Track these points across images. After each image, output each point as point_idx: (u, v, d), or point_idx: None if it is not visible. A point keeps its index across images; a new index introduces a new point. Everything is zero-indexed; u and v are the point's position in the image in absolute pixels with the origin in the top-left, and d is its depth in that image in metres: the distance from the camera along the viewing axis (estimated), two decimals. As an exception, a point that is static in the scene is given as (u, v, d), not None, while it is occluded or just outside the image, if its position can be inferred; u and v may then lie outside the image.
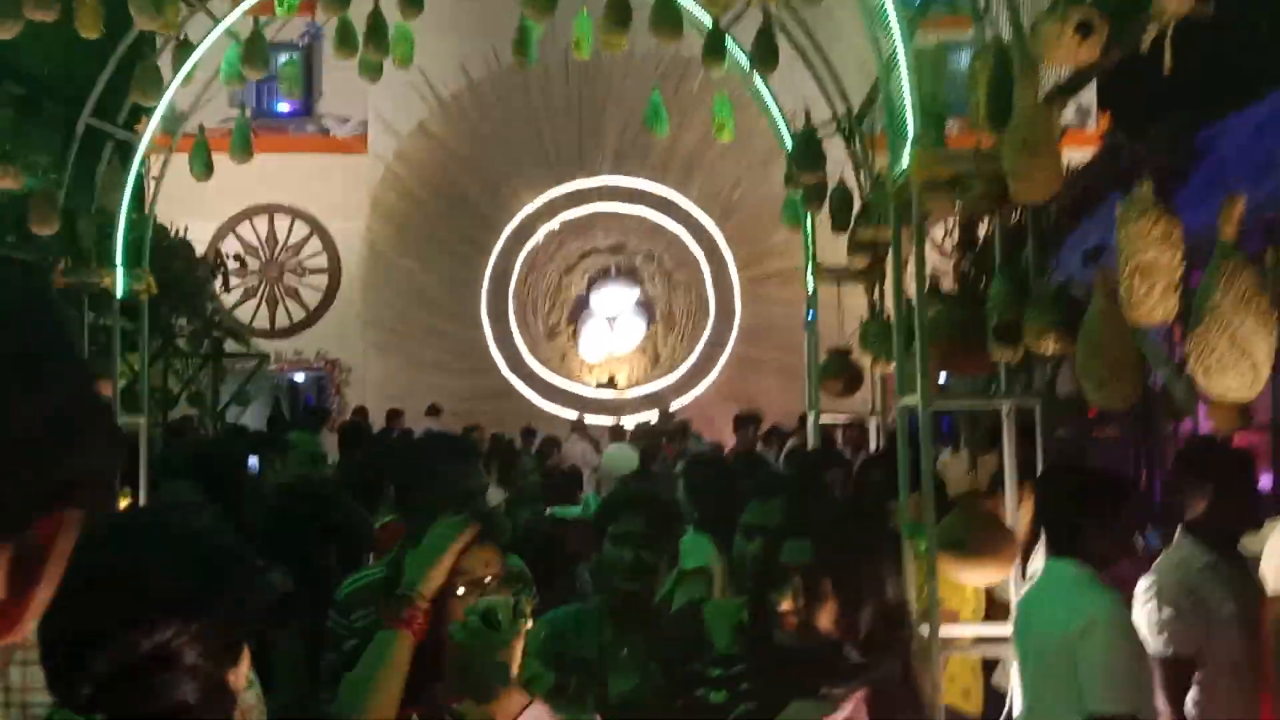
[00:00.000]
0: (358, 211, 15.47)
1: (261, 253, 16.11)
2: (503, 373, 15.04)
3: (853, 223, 5.61)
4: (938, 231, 15.71)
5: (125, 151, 5.79)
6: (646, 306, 15.43)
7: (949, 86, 3.87)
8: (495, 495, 6.20)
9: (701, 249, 15.13)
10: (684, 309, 15.38)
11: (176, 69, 5.65)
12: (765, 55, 5.69)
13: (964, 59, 3.49)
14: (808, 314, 6.54)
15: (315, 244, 16.12)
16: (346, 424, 9.97)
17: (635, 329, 15.35)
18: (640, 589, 2.99)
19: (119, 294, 5.55)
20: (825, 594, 2.16)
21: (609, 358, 15.33)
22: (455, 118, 15.35)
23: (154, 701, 1.29)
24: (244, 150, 6.46)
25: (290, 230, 16.15)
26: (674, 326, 15.40)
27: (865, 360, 5.53)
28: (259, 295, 16.08)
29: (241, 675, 1.41)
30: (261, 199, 16.03)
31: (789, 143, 6.17)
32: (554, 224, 15.17)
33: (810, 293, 6.44)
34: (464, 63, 15.12)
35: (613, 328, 15.32)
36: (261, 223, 16.17)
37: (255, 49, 5.72)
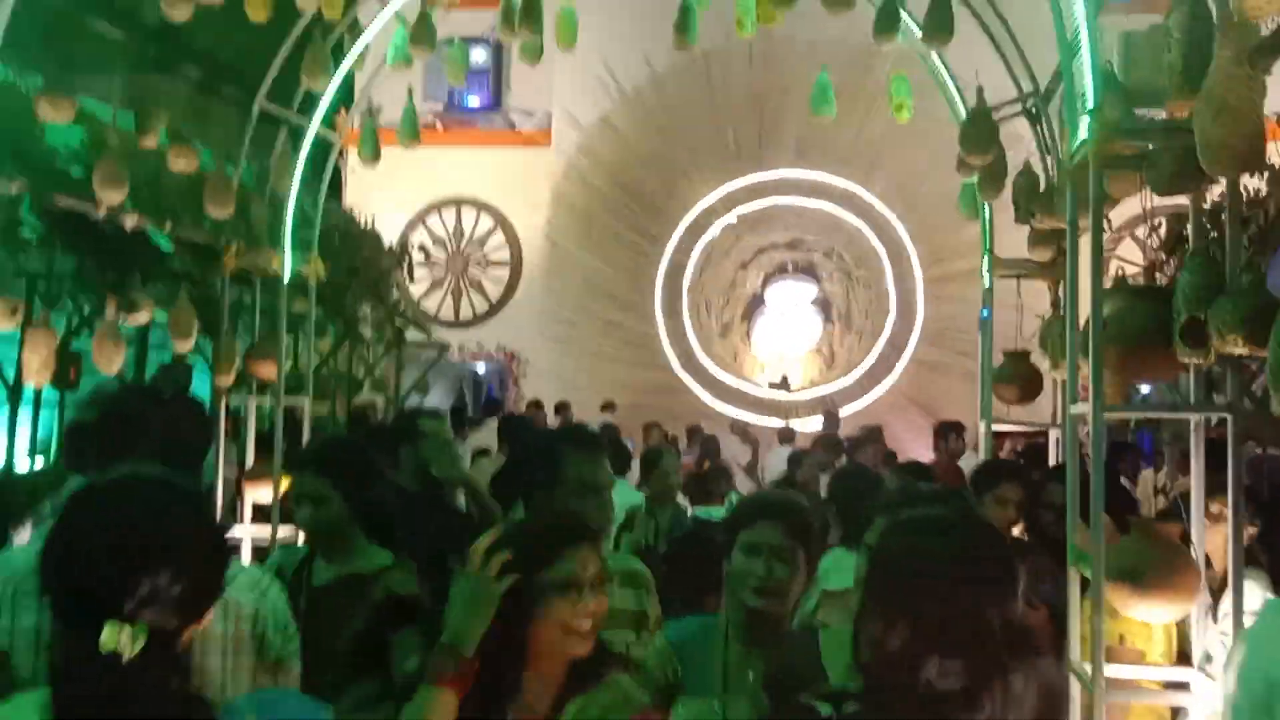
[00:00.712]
0: (541, 205, 15.71)
1: (448, 245, 16.60)
2: (674, 369, 14.93)
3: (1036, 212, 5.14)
4: (1142, 228, 14.58)
5: (299, 136, 5.91)
6: (823, 304, 14.99)
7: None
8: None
9: (883, 245, 14.56)
10: (863, 308, 14.86)
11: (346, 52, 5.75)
12: (939, 26, 5.29)
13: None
14: (982, 312, 6.05)
15: (499, 237, 16.47)
16: (507, 417, 10.08)
17: (811, 327, 14.94)
18: (769, 605, 2.74)
19: (285, 277, 5.70)
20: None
21: (783, 357, 14.98)
22: (638, 110, 15.35)
23: None
24: (412, 135, 6.49)
25: (476, 223, 16.57)
26: (851, 326, 14.90)
27: (1045, 364, 5.06)
28: (444, 286, 16.58)
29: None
30: (450, 192, 16.54)
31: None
32: (731, 218, 14.94)
33: (986, 288, 5.94)
34: (647, 54, 15.10)
35: (788, 325, 14.96)
36: (449, 215, 16.65)
37: (422, 30, 5.72)
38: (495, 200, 16.38)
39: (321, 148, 5.99)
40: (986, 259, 5.91)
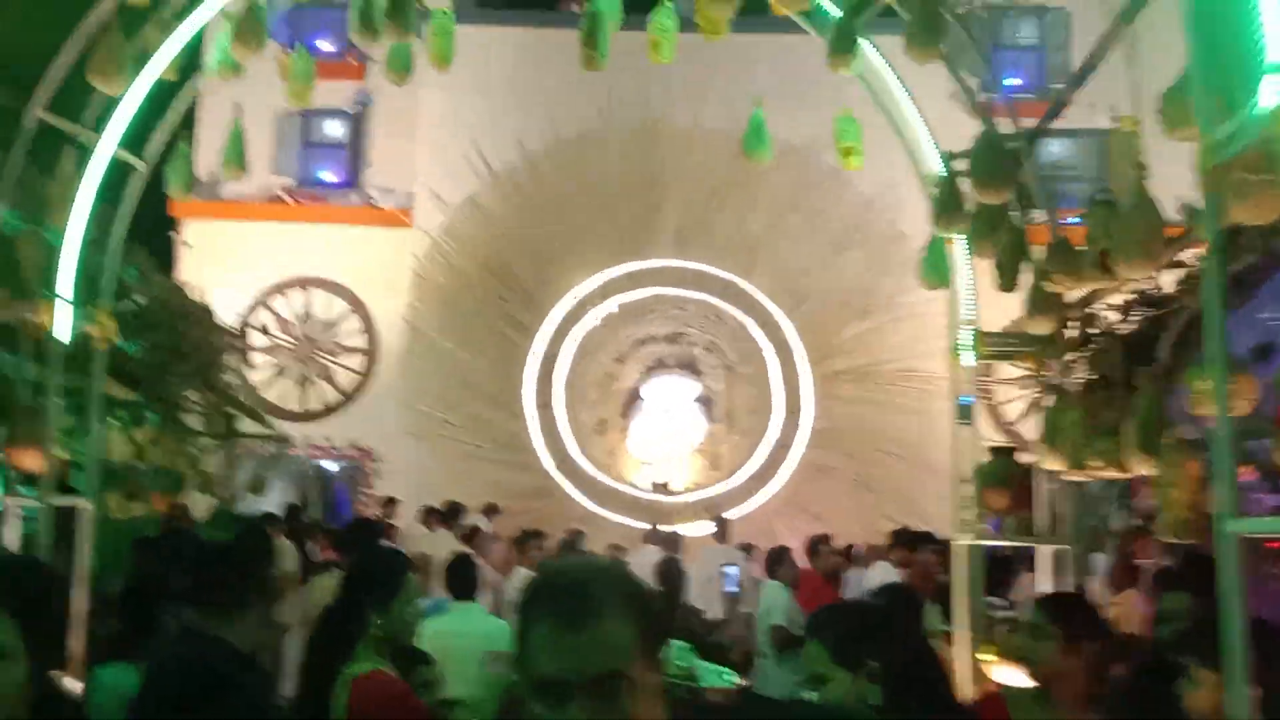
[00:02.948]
0: (400, 289, 14.40)
1: (295, 329, 15.04)
2: (548, 469, 13.64)
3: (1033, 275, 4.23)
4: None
5: (87, 157, 4.56)
6: (706, 402, 14.04)
7: None
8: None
9: (768, 340, 13.77)
10: (747, 406, 13.96)
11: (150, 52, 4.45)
12: (926, 30, 4.38)
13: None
14: (961, 399, 5.08)
15: (353, 322, 15.03)
16: (357, 523, 8.58)
17: (693, 426, 13.94)
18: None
19: (60, 335, 4.28)
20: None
21: (664, 457, 13.89)
22: (508, 191, 14.34)
23: None
24: (236, 162, 5.16)
25: (328, 306, 15.10)
26: (735, 425, 13.96)
27: (1050, 462, 4.09)
28: (290, 375, 14.96)
29: None
30: (300, 272, 15.08)
31: (935, 159, 4.81)
32: (610, 306, 13.93)
33: (961, 368, 4.98)
34: (519, 133, 14.19)
35: (668, 423, 13.92)
36: (298, 296, 15.14)
37: (252, 23, 4.47)
38: (350, 282, 14.99)
39: (119, 174, 4.63)
40: (970, 334, 4.93)
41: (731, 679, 4.53)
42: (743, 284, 13.70)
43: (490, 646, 5.29)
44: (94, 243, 4.61)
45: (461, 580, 5.41)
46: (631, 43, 5.45)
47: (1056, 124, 14.01)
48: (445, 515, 10.92)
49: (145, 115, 5.05)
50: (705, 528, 12.04)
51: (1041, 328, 4.42)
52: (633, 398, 14.02)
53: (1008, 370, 14.04)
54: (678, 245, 13.89)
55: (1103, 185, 4.77)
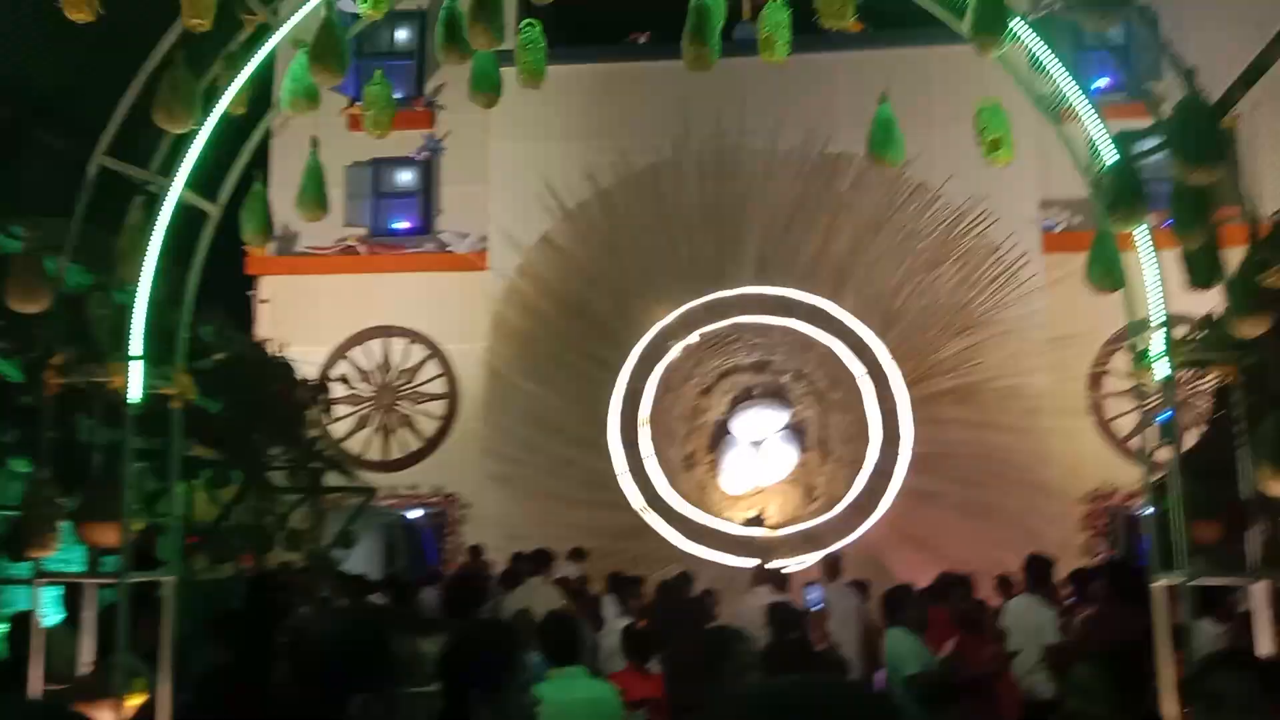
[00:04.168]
0: (478, 332, 14.17)
1: (374, 378, 14.89)
2: (636, 508, 13.19)
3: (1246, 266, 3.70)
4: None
5: (156, 205, 4.28)
6: (796, 431, 13.49)
7: None
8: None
9: (861, 364, 13.19)
10: (840, 434, 13.37)
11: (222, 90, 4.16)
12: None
13: None
14: (1161, 415, 4.53)
15: (433, 368, 14.84)
16: (455, 581, 8.17)
17: (784, 457, 13.39)
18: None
19: (133, 396, 3.98)
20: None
21: (755, 490, 13.36)
22: (582, 228, 14.06)
23: None
24: (315, 200, 4.80)
25: (406, 353, 14.94)
26: (829, 454, 13.38)
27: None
28: (371, 424, 14.79)
29: None
30: (376, 320, 14.96)
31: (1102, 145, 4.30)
32: (692, 337, 13.50)
33: (1162, 378, 4.42)
34: (590, 168, 13.92)
35: (758, 455, 13.40)
36: (376, 346, 15.01)
37: (329, 42, 4.09)
38: (427, 328, 14.83)
39: (190, 224, 4.35)
40: (1162, 337, 4.37)
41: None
42: (829, 307, 13.16)
43: (599, 713, 4.85)
44: (167, 299, 4.33)
45: (560, 643, 4.94)
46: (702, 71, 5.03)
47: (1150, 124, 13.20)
48: (535, 561, 10.49)
49: (215, 159, 4.78)
50: (807, 563, 11.51)
51: (1252, 329, 3.85)
52: (721, 430, 13.54)
53: (1114, 383, 13.30)
54: (759, 272, 13.43)
55: None
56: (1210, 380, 8.12)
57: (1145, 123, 4.57)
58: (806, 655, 6.93)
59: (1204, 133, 3.78)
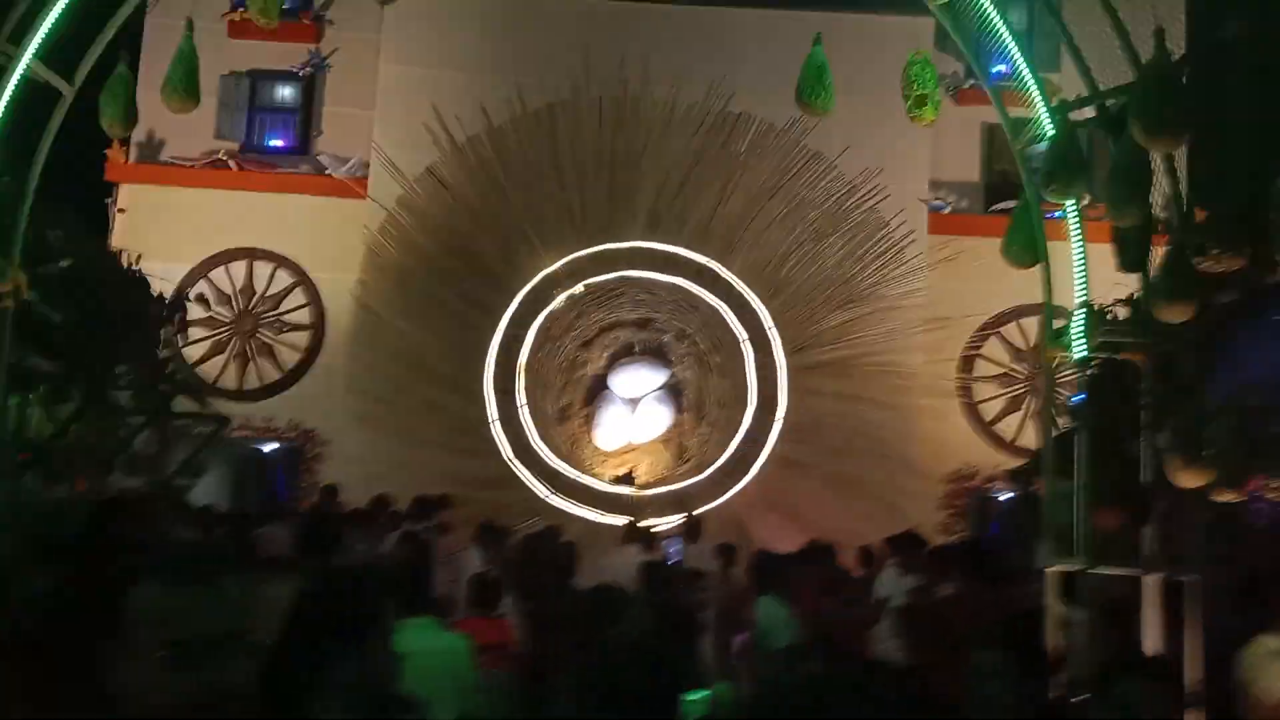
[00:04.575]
0: (351, 263, 13.47)
1: (235, 302, 14.05)
2: (505, 457, 12.84)
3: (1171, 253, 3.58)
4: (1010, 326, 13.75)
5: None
6: (674, 391, 13.35)
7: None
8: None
9: (744, 329, 13.10)
10: (717, 398, 13.29)
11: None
12: None
13: None
14: (1075, 396, 4.41)
15: (299, 296, 14.09)
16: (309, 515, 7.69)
17: (659, 417, 13.24)
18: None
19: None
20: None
21: (627, 448, 13.18)
22: (470, 164, 13.49)
23: None
24: (187, 90, 4.26)
25: (271, 278, 14.13)
26: (705, 417, 13.29)
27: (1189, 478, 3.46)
28: (228, 350, 13.97)
29: None
30: (242, 241, 14.09)
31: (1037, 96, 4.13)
32: (577, 288, 13.16)
33: (1081, 359, 4.29)
34: (483, 104, 13.34)
35: (633, 413, 13.21)
36: (239, 268, 14.15)
37: None
38: (297, 255, 14.04)
39: (40, 98, 3.77)
40: (1082, 318, 4.25)
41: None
42: (718, 269, 13.01)
43: (454, 665, 4.57)
44: (7, 187, 3.76)
45: (412, 592, 4.64)
46: (608, 13, 4.69)
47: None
48: (374, 505, 10.01)
49: (77, 35, 4.20)
50: (673, 524, 11.40)
51: (1176, 315, 3.76)
52: (598, 385, 13.28)
53: (985, 367, 13.60)
54: (650, 227, 13.16)
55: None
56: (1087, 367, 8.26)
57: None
58: (677, 614, 6.79)
59: (1170, 98, 3.65)
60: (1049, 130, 4.04)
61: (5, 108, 3.52)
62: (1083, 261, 4.21)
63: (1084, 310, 4.13)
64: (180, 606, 2.07)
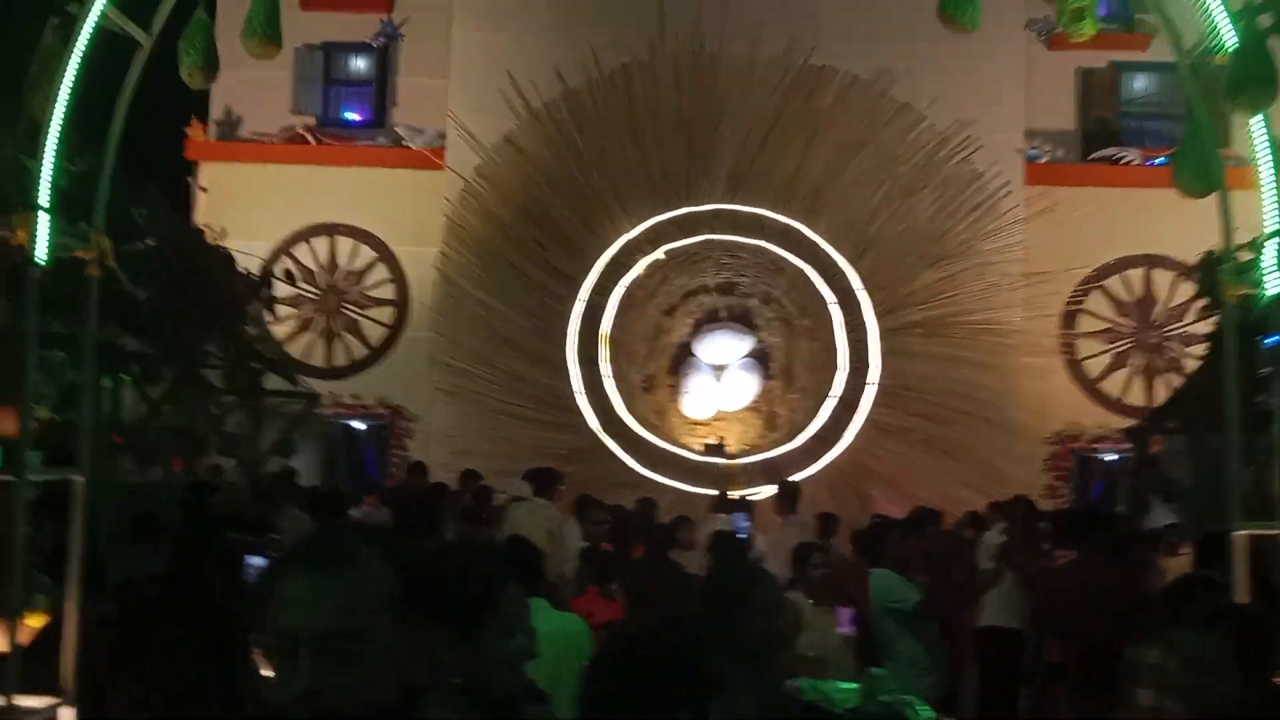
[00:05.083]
0: (431, 236, 13.36)
1: (320, 279, 14.06)
2: (593, 428, 12.64)
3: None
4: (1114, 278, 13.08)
5: (73, 30, 3.51)
6: (761, 357, 13.01)
7: None
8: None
9: (832, 291, 12.68)
10: (806, 362, 12.92)
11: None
12: None
13: None
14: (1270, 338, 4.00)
15: (381, 271, 14.05)
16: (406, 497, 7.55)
17: (747, 384, 12.92)
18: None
19: (38, 255, 3.26)
20: None
21: (716, 417, 12.89)
22: (547, 130, 13.24)
23: None
24: (267, 34, 4.06)
25: (354, 255, 14.11)
26: (794, 383, 12.93)
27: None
28: (314, 328, 14.00)
29: None
30: (323, 217, 14.08)
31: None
32: (659, 253, 12.87)
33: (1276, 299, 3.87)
34: (559, 65, 13.06)
35: (720, 381, 12.90)
36: (321, 245, 14.15)
37: None
38: (377, 228, 13.99)
39: (117, 49, 3.59)
40: (1276, 247, 3.83)
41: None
42: (804, 230, 12.59)
43: (577, 647, 4.33)
44: (86, 147, 3.59)
45: (527, 572, 4.40)
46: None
47: (1144, 57, 12.59)
48: (461, 481, 9.83)
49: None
50: (767, 493, 11.08)
51: None
52: (683, 353, 13.00)
53: (1088, 322, 12.98)
54: (732, 189, 12.78)
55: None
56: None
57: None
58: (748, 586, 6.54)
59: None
60: (1230, 37, 3.61)
61: (81, 61, 3.36)
62: (1274, 184, 3.76)
63: (1276, 241, 3.69)
64: (325, 593, 1.89)
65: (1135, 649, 4.37)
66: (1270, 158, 3.68)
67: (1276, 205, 3.69)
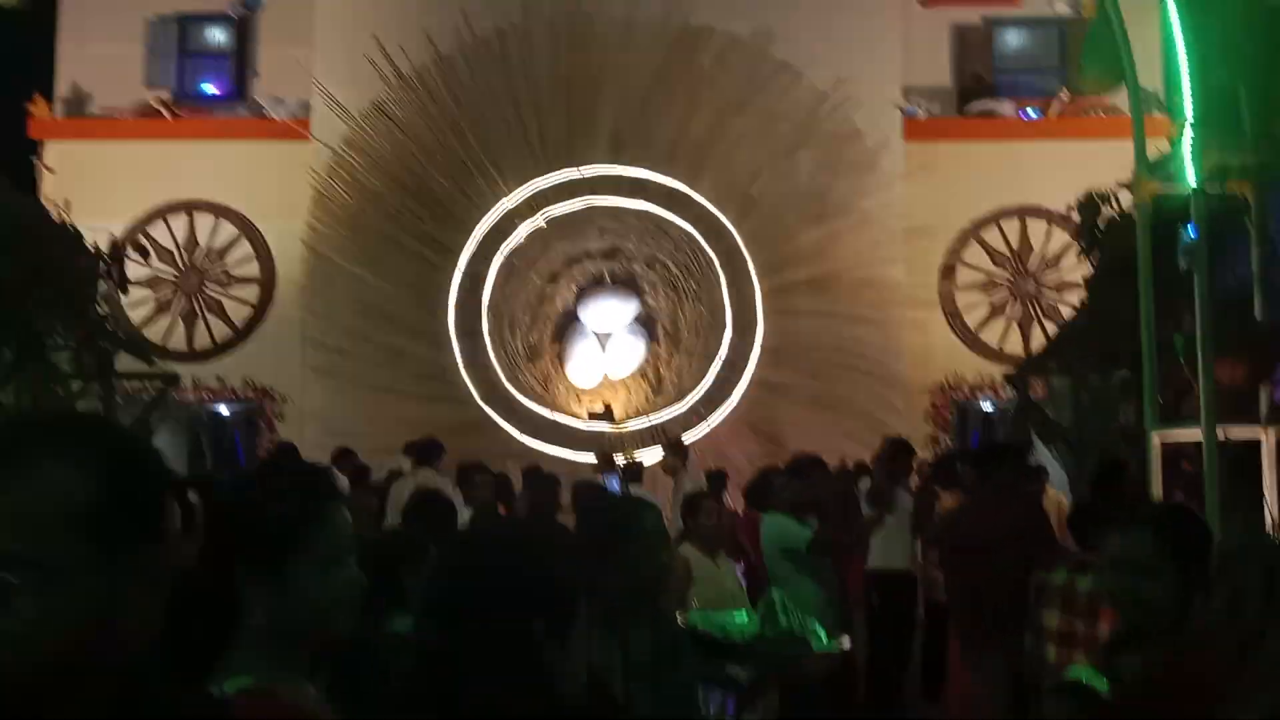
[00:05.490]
0: (298, 210, 12.73)
1: (179, 258, 13.29)
2: (477, 402, 12.25)
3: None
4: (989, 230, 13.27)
5: None
6: (646, 322, 12.80)
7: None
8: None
9: (716, 253, 12.55)
10: (692, 325, 12.76)
11: None
12: None
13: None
14: (1187, 230, 3.83)
15: (244, 248, 13.35)
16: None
17: (634, 349, 12.71)
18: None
19: None
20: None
21: (602, 384, 12.65)
22: (419, 97, 12.75)
23: None
24: None
25: (214, 231, 13.37)
26: (680, 346, 12.76)
27: None
28: (174, 309, 13.24)
29: None
30: (181, 194, 13.31)
31: None
32: (539, 220, 12.53)
33: (1192, 193, 3.71)
34: (429, 30, 12.58)
35: (605, 348, 12.66)
36: (179, 223, 13.38)
37: None
38: (239, 204, 13.29)
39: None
40: (1189, 143, 3.65)
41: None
42: (687, 191, 12.41)
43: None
44: None
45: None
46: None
47: (1016, 13, 12.77)
48: (335, 460, 9.30)
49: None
50: (658, 457, 10.88)
51: None
52: (568, 320, 12.70)
53: (967, 275, 13.14)
54: (613, 152, 12.52)
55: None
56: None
57: None
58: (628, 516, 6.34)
59: None
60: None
61: None
62: (1191, 75, 3.62)
63: (1196, 128, 3.55)
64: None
65: (1041, 574, 4.27)
66: (1190, 38, 3.57)
67: (1194, 95, 3.58)
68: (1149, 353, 3.80)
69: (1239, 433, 3.90)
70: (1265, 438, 3.51)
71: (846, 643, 3.14)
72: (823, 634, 3.12)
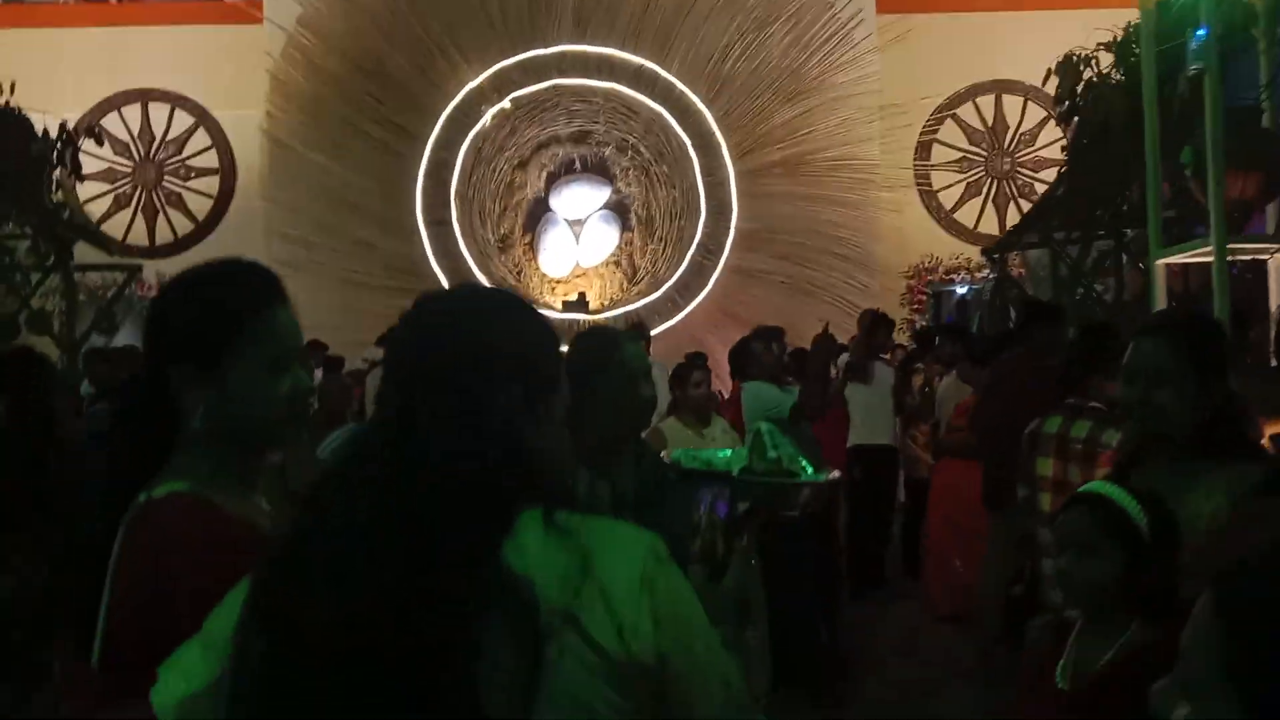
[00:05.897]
0: (255, 97, 12.27)
1: (135, 150, 12.84)
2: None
3: None
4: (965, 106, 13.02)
5: None
6: (620, 208, 12.58)
7: None
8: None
9: (688, 134, 12.27)
10: (665, 210, 12.55)
11: None
12: None
13: None
14: (1197, 33, 3.72)
15: (202, 138, 12.91)
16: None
17: (607, 236, 12.51)
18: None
19: None
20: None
21: (576, 272, 12.48)
22: (373, -28, 12.21)
23: None
24: None
25: (170, 122, 12.91)
26: (654, 233, 12.57)
27: None
28: (133, 204, 12.85)
29: None
30: (131, 83, 12.80)
31: None
32: (505, 103, 12.17)
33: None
34: (384, -97, 12.00)
35: (578, 235, 12.45)
36: (133, 113, 12.90)
37: None
38: (193, 92, 12.80)
39: None
40: None
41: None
42: (656, 69, 12.07)
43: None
44: None
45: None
46: None
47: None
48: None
49: None
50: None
51: None
52: (539, 208, 12.45)
53: (942, 153, 12.93)
54: (578, 29, 12.11)
55: None
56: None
57: None
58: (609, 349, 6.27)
59: None
60: None
61: None
62: None
63: None
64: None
65: (1035, 423, 4.22)
66: None
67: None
68: (1154, 170, 3.70)
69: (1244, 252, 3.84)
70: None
71: (835, 473, 3.07)
72: (809, 468, 3.05)
